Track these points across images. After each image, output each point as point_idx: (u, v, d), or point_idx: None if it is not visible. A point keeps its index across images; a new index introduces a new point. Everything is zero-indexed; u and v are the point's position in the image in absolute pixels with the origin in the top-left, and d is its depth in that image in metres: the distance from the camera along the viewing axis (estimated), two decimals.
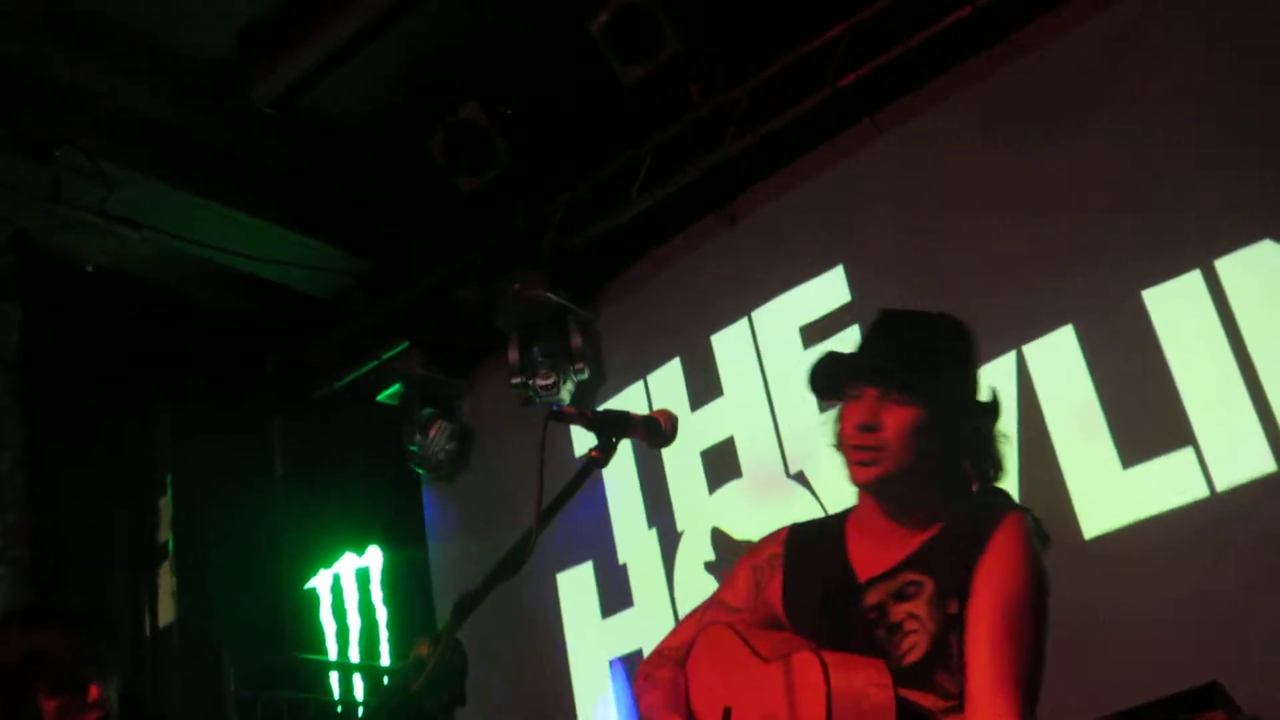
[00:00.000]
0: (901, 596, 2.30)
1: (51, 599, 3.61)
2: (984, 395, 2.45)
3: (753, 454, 5.42)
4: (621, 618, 5.67)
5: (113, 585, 6.20)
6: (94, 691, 3.09)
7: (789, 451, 5.29)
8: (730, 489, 5.46)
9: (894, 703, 2.12)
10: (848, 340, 5.10)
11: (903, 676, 2.20)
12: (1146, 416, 4.33)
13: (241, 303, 6.61)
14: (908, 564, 2.33)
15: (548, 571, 5.92)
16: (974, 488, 2.43)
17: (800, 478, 5.21)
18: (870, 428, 2.32)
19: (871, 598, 2.33)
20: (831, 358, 2.47)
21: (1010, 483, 4.36)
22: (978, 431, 2.41)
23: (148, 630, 6.23)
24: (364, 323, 6.60)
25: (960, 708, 2.20)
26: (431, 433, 6.25)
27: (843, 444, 2.40)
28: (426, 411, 6.36)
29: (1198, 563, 4.10)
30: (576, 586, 5.85)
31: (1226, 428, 4.15)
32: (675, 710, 2.44)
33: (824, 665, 2.13)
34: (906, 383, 2.33)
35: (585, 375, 5.96)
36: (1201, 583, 4.06)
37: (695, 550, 5.49)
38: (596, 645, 5.72)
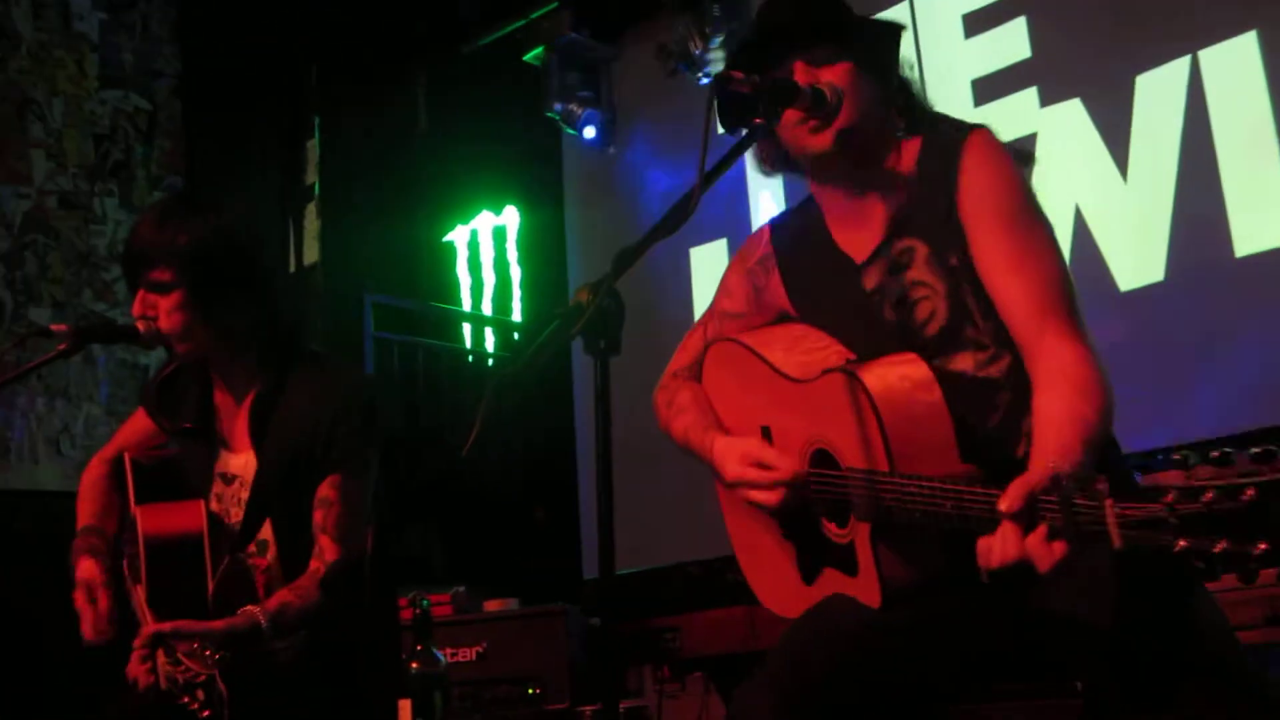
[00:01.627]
0: (898, 267, 2.22)
1: None
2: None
3: None
4: None
5: (260, 221, 6.39)
6: None
7: None
8: None
9: (944, 402, 2.05)
10: (1011, 32, 4.88)
11: (933, 347, 2.15)
12: None
13: None
14: (893, 233, 2.24)
15: (680, 244, 5.95)
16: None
17: None
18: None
19: (870, 280, 2.25)
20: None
21: (1165, 190, 4.25)
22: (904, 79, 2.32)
23: (292, 267, 6.47)
24: None
25: (1000, 353, 2.14)
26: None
27: (791, 128, 2.25)
28: None
29: None
30: (709, 262, 5.89)
31: None
32: (715, 428, 2.41)
33: (859, 383, 2.05)
34: (821, 39, 2.23)
35: (734, 48, 5.80)
36: None
37: None
38: None
